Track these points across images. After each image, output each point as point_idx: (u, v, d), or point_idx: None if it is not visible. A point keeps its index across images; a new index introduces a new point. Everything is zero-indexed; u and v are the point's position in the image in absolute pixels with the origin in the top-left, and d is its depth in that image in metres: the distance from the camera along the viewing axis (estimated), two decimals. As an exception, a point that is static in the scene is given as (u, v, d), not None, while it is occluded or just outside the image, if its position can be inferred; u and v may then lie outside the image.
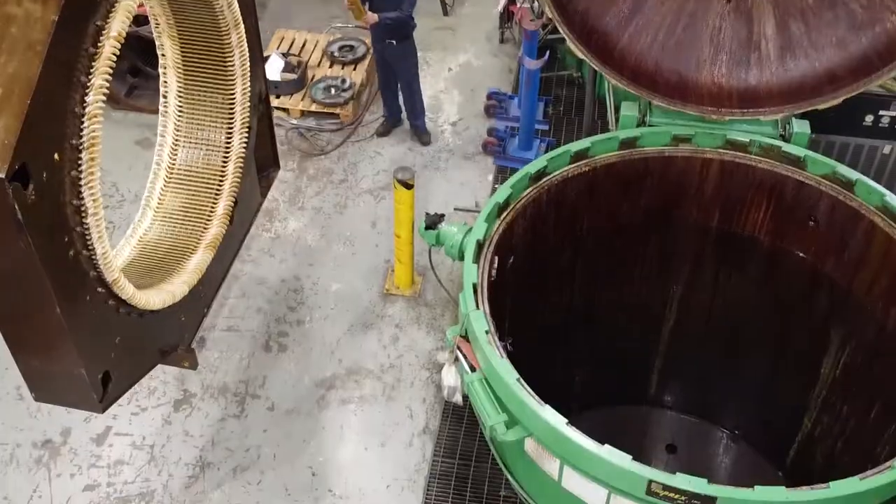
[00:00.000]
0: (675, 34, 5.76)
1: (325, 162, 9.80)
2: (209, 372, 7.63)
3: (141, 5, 8.55)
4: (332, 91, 10.35)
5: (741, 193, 5.84)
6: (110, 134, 9.62)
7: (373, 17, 9.08)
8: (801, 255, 5.83)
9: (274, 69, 10.26)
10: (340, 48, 10.95)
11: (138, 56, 10.11)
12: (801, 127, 5.80)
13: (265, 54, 10.20)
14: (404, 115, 10.15)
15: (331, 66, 10.79)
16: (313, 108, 10.27)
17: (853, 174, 5.42)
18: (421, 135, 10.07)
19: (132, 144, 9.73)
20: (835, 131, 7.70)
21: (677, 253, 6.27)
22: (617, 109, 6.31)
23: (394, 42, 9.34)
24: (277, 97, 10.26)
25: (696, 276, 6.36)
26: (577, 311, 6.48)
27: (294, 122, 10.27)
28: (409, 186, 7.56)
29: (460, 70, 11.20)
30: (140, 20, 9.20)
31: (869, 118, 7.66)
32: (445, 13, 11.89)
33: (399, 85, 9.84)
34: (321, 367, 7.72)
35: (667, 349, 6.83)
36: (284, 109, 10.28)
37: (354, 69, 10.73)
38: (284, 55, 10.56)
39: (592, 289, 6.40)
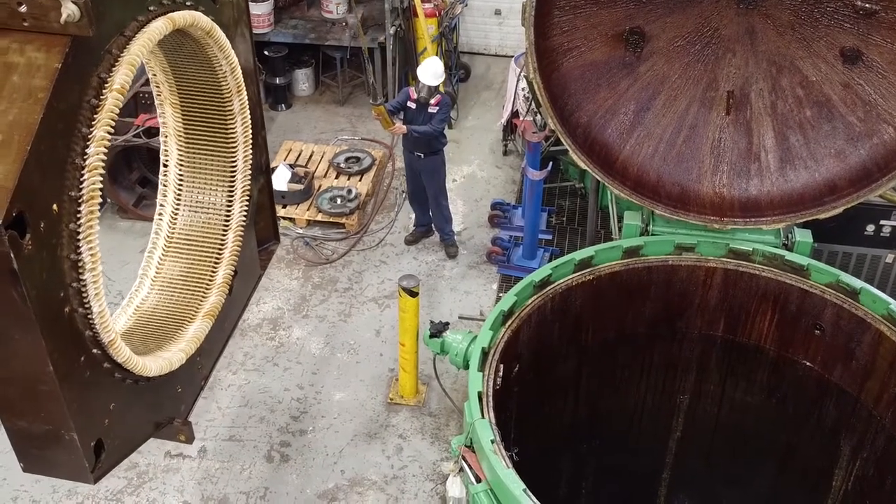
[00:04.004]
0: (676, 145, 5.87)
1: (331, 271, 9.85)
2: (209, 483, 7.50)
3: (153, 118, 8.64)
4: (338, 201, 10.49)
5: (745, 302, 5.85)
6: (117, 243, 9.84)
7: (401, 128, 9.27)
8: (807, 363, 5.80)
9: (281, 180, 10.41)
10: (346, 159, 11.16)
11: (147, 166, 10.31)
12: (804, 236, 5.85)
13: (273, 165, 10.39)
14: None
15: (337, 177, 10.97)
16: (319, 217, 10.40)
17: (857, 283, 5.44)
18: (447, 246, 10.15)
19: (138, 253, 9.77)
20: (837, 241, 7.76)
21: (683, 362, 6.24)
22: (620, 219, 6.37)
23: (421, 156, 9.52)
24: (284, 207, 10.39)
25: (702, 386, 6.30)
26: (583, 420, 6.41)
27: (300, 231, 10.37)
28: (413, 294, 7.58)
29: (465, 181, 11.37)
30: (151, 132, 9.42)
31: (870, 228, 7.73)
32: (450, 126, 12.14)
33: (427, 196, 9.93)
34: (323, 478, 7.60)
35: (674, 459, 6.72)
36: (291, 219, 10.40)
37: (360, 180, 10.90)
38: (291, 166, 10.74)
39: (598, 397, 6.34)
